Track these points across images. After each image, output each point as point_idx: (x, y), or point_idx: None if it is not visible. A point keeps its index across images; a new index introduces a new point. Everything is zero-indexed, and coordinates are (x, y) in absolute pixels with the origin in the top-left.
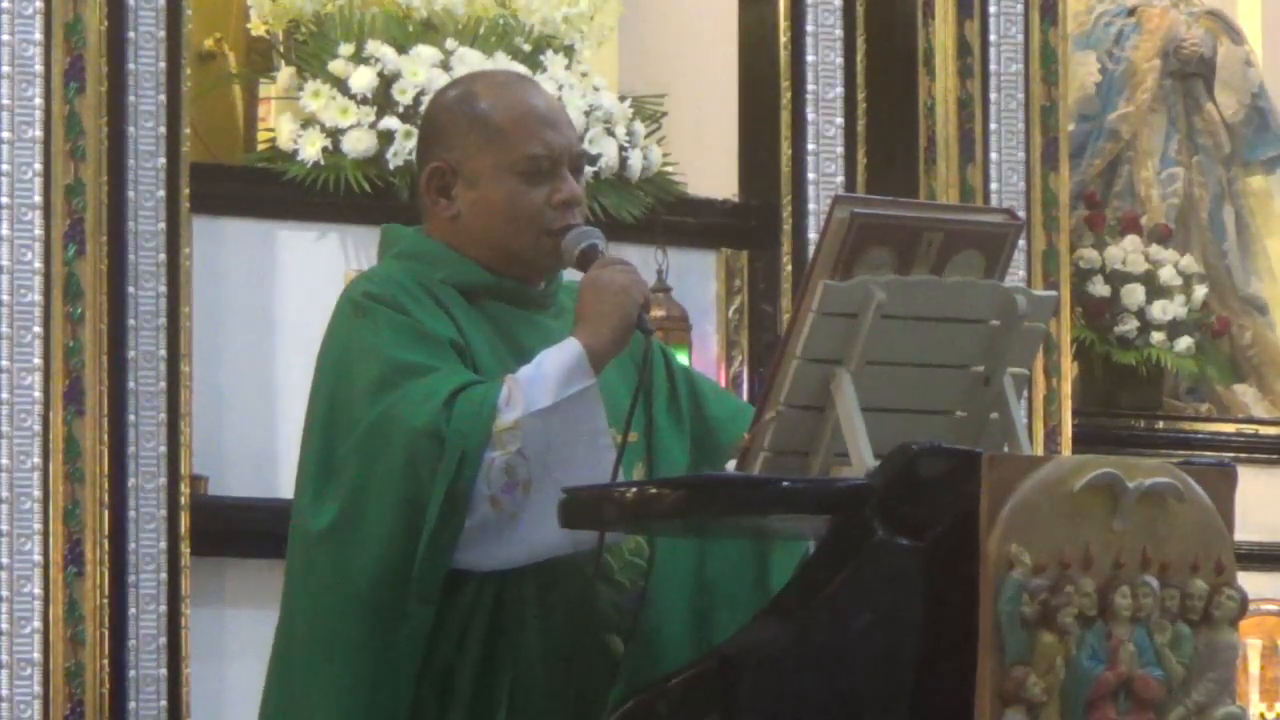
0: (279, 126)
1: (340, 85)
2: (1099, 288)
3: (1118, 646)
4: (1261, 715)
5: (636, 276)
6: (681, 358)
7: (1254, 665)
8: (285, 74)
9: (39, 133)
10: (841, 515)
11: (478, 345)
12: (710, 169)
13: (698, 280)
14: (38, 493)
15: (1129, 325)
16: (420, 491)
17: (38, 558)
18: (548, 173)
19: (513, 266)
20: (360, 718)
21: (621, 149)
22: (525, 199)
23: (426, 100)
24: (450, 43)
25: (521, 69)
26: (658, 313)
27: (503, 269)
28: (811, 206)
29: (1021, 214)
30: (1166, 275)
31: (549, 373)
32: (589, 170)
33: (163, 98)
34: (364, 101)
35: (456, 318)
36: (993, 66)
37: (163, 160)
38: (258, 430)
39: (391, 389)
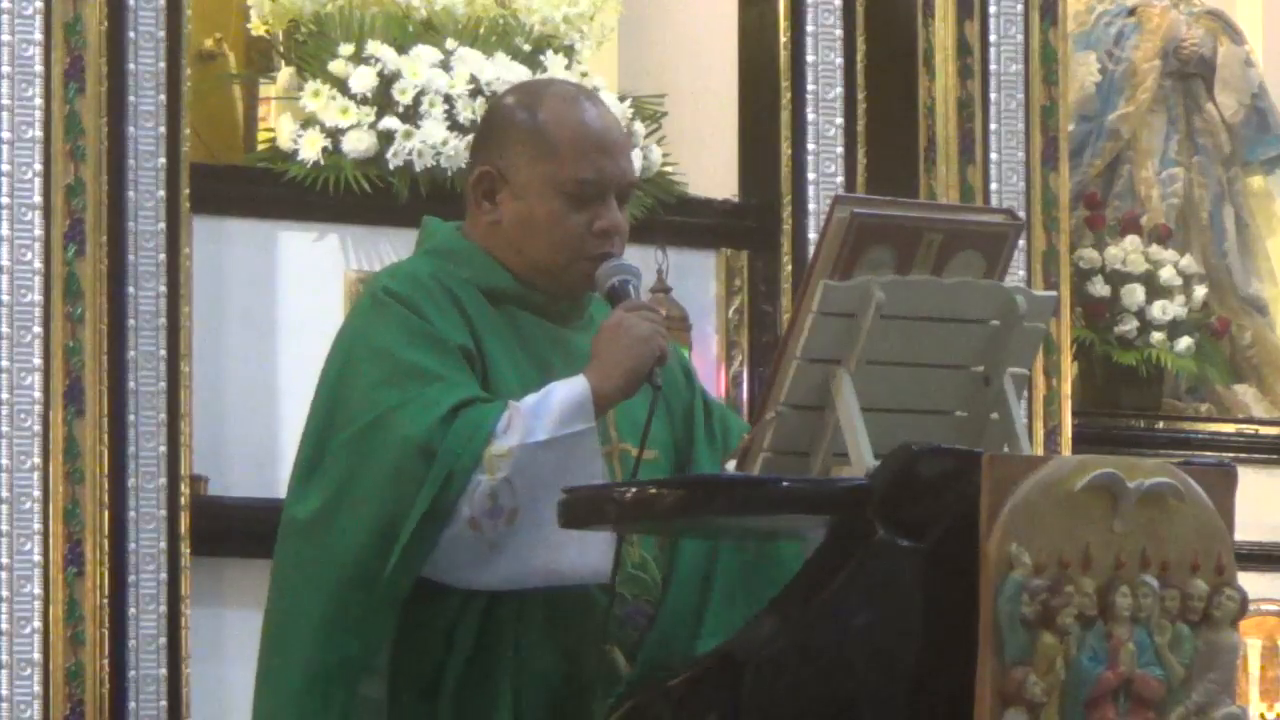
0: (279, 126)
1: (340, 85)
2: (1099, 288)
3: (1118, 646)
4: (1261, 715)
5: (658, 326)
6: None
7: (1254, 665)
8: (285, 74)
9: (39, 133)
10: (841, 515)
11: (493, 350)
12: (710, 169)
13: (698, 280)
14: (38, 493)
15: (1129, 325)
16: (401, 503)
17: (38, 558)
18: (594, 198)
19: (542, 281)
20: (305, 704)
21: None
22: (567, 221)
23: (426, 100)
24: (450, 43)
25: (522, 69)
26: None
27: (532, 281)
28: (811, 206)
29: (1021, 214)
30: (1166, 275)
31: (552, 407)
32: None
33: (163, 98)
34: (364, 101)
35: (474, 320)
36: (993, 66)
37: (163, 160)
38: (258, 430)
39: (394, 388)
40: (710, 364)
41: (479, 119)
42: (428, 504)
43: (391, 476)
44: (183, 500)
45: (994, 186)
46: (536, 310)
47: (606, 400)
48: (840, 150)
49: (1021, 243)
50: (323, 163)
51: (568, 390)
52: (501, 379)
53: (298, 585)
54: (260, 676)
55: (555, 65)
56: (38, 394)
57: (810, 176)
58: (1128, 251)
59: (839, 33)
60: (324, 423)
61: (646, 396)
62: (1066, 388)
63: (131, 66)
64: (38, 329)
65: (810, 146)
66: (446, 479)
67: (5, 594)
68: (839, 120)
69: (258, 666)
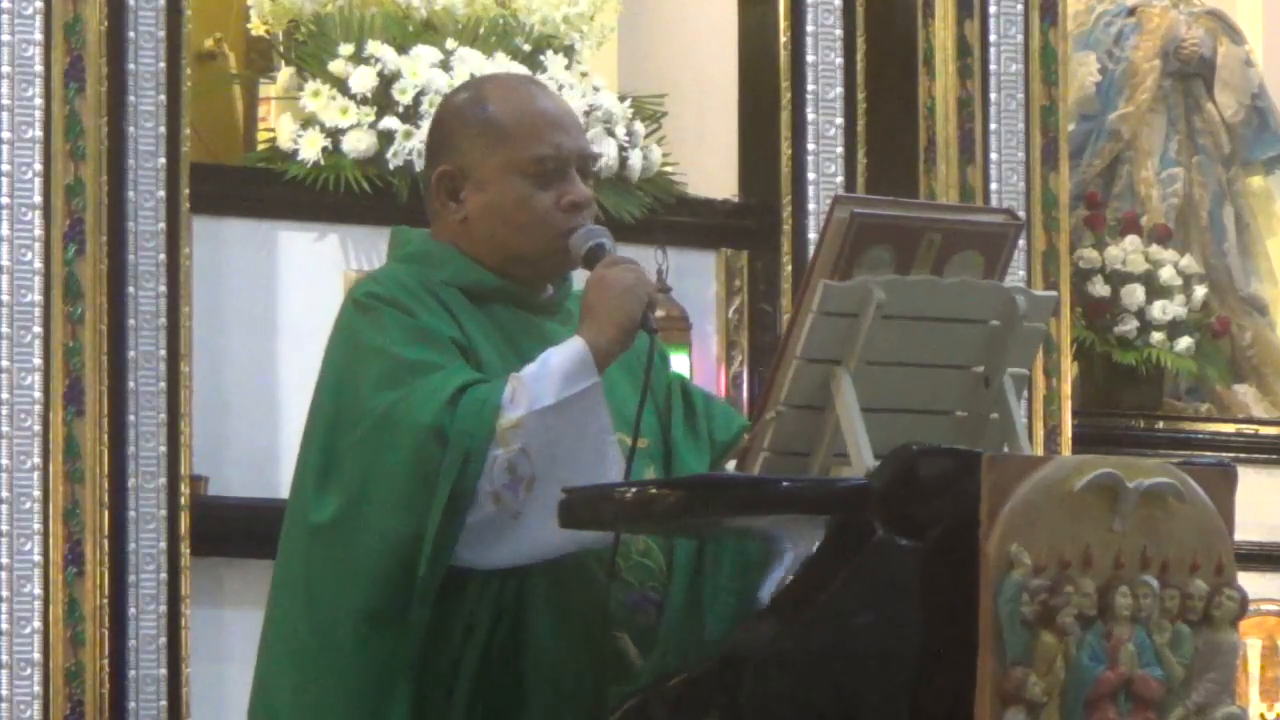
0: (279, 126)
1: (340, 85)
2: (1099, 288)
3: (1118, 646)
4: (1261, 715)
5: (642, 275)
6: (681, 357)
7: (1254, 665)
8: (285, 74)
9: (39, 133)
10: (841, 515)
11: (481, 347)
12: (710, 169)
13: (698, 280)
14: (38, 493)
15: (1129, 325)
16: (423, 490)
17: (38, 558)
18: (556, 175)
19: (521, 269)
20: (356, 713)
21: (621, 149)
22: (534, 201)
23: (427, 100)
24: (450, 43)
25: (521, 69)
26: (658, 313)
27: (511, 271)
28: (811, 206)
29: (1021, 214)
30: (1166, 275)
31: (553, 371)
32: None
33: (163, 98)
34: (364, 101)
35: (460, 319)
36: (993, 66)
37: (163, 160)
38: (258, 430)
39: (396, 385)
40: (710, 364)
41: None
42: (450, 487)
43: (409, 466)
44: (183, 500)
45: (994, 186)
46: (517, 304)
47: (605, 354)
48: (840, 150)
49: (1021, 243)
50: (323, 163)
51: (566, 352)
52: (492, 375)
53: (329, 589)
54: (293, 686)
55: (555, 65)
56: (38, 394)
57: (810, 176)
58: (1128, 251)
59: (839, 33)
60: (329, 428)
61: (636, 390)
62: (1066, 388)
63: (131, 66)
64: (38, 329)
65: (810, 146)
66: (464, 459)
67: (5, 594)
68: (839, 120)
69: (274, 687)
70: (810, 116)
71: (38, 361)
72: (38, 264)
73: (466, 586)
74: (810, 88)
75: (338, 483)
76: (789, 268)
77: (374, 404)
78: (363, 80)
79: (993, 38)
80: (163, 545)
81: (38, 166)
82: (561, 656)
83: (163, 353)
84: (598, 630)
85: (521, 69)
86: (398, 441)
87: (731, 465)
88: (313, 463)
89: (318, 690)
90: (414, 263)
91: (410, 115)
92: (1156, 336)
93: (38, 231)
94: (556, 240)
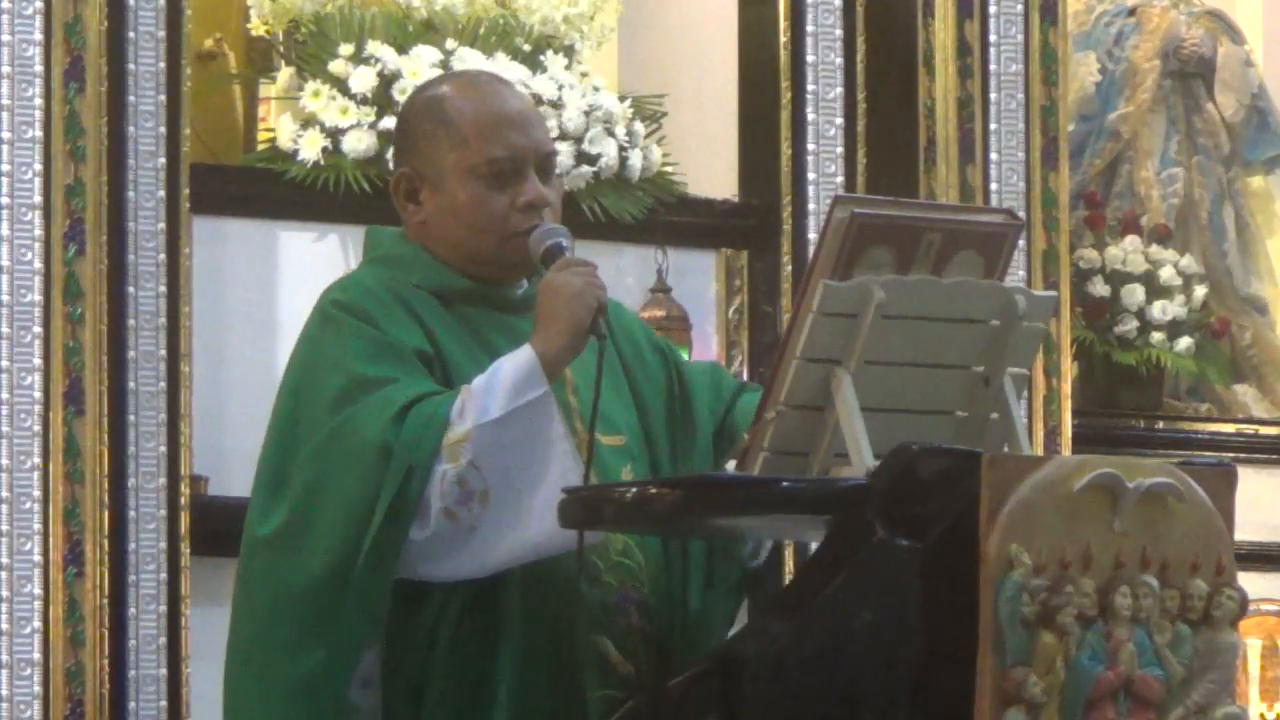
0: (279, 126)
1: (340, 85)
2: (1099, 288)
3: (1118, 646)
4: (1261, 715)
5: (592, 279)
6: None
7: (1254, 665)
8: (285, 74)
9: (39, 133)
10: (841, 515)
11: (452, 351)
12: (710, 169)
13: (698, 280)
14: (38, 493)
15: (1129, 325)
16: (365, 504)
17: (38, 558)
18: (511, 175)
19: (485, 269)
20: (292, 717)
21: (621, 149)
22: (489, 203)
23: None
24: (450, 43)
25: (521, 69)
26: (657, 312)
27: (476, 272)
28: (811, 206)
29: (1021, 214)
30: (1166, 275)
31: (502, 381)
32: (589, 170)
33: (163, 98)
34: (364, 101)
35: (429, 324)
36: (993, 66)
37: (163, 160)
38: (258, 431)
39: (351, 403)
40: None
41: None
42: (390, 500)
43: (353, 481)
44: (183, 500)
45: (994, 186)
46: (489, 304)
47: (554, 362)
48: (840, 150)
49: (1021, 243)
50: (323, 163)
51: (514, 362)
52: (464, 379)
53: (268, 601)
54: (237, 697)
55: (555, 65)
56: (38, 394)
57: (810, 176)
58: (1128, 251)
59: (839, 33)
60: (283, 443)
61: (618, 388)
62: (1066, 388)
63: (131, 66)
64: (38, 329)
65: (810, 146)
66: (407, 473)
67: (5, 594)
68: (839, 120)
69: (228, 691)
70: (810, 116)
71: (38, 361)
72: (38, 264)
73: (428, 600)
74: (810, 88)
75: (284, 496)
76: (789, 268)
77: (326, 421)
78: (363, 80)
79: (993, 38)
80: (163, 545)
81: (38, 166)
82: (538, 662)
83: (163, 353)
84: (575, 633)
85: (522, 69)
86: (344, 459)
87: (732, 465)
88: (264, 475)
89: (263, 699)
90: (385, 265)
91: None
92: (1156, 336)
93: (38, 231)
94: (513, 241)
